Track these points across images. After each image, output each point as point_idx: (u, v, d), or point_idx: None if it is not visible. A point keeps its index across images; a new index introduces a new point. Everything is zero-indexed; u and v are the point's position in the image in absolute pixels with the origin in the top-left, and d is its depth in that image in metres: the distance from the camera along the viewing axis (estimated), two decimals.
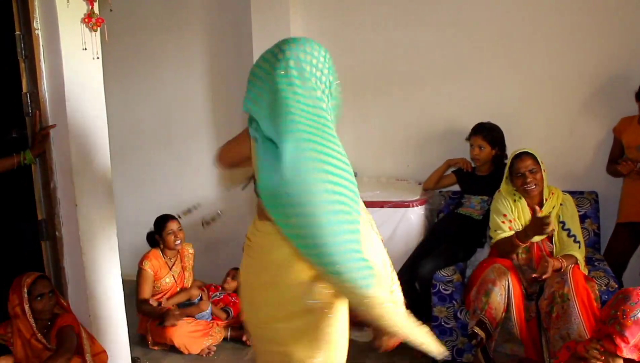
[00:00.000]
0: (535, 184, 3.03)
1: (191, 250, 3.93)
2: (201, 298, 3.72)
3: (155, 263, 3.70)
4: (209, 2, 4.43)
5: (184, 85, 4.61)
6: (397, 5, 3.96)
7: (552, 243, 3.06)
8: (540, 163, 3.05)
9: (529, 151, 3.07)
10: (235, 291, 3.97)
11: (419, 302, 3.37)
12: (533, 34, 3.72)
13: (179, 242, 3.73)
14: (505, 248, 3.02)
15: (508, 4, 3.75)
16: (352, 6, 4.06)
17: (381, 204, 3.61)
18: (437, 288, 3.18)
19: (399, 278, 3.41)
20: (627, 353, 2.29)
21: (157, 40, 4.62)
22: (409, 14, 3.94)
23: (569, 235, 3.03)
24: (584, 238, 3.38)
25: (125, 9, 4.52)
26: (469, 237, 3.35)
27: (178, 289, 3.77)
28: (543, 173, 3.06)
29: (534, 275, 2.87)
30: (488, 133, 3.53)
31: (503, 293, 2.84)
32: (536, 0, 3.69)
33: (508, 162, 3.14)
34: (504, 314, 2.84)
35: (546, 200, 3.07)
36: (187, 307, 3.64)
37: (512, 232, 3.03)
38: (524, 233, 2.90)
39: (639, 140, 3.32)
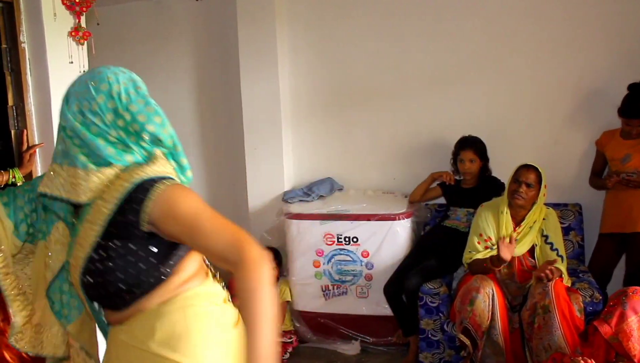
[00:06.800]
0: (523, 198, 3.04)
1: None
2: None
3: None
4: (195, 15, 4.45)
5: (171, 99, 4.61)
6: (383, 18, 4.00)
7: (534, 258, 3.09)
8: (542, 185, 3.05)
9: (539, 169, 3.07)
10: None
11: (406, 315, 3.38)
12: (517, 47, 3.77)
13: None
14: (478, 269, 3.06)
15: (492, 18, 3.80)
16: (338, 18, 4.09)
17: (367, 217, 3.62)
18: (424, 301, 3.20)
19: (386, 291, 3.46)
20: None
21: (144, 54, 4.63)
22: (395, 27, 3.98)
23: (552, 249, 3.06)
24: (568, 250, 3.44)
25: (113, 23, 4.53)
26: (456, 250, 3.36)
27: None
28: (543, 197, 3.07)
29: (535, 273, 2.88)
30: (478, 146, 3.56)
31: (487, 300, 2.86)
32: (519, 14, 3.75)
33: (514, 170, 3.14)
34: (489, 322, 2.87)
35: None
36: None
37: (486, 252, 3.09)
38: (497, 259, 2.94)
39: (622, 152, 3.37)
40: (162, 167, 1.33)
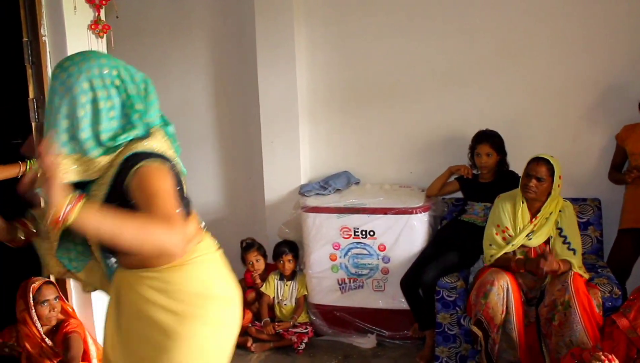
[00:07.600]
0: (534, 192, 3.03)
1: None
2: None
3: None
4: (213, 10, 4.46)
5: (188, 92, 4.63)
6: (400, 14, 3.98)
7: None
8: (555, 176, 3.02)
9: (551, 160, 3.03)
10: None
11: (422, 309, 3.38)
12: (534, 42, 3.74)
13: None
14: (502, 265, 3.05)
15: (509, 13, 3.76)
16: (356, 15, 4.08)
17: (384, 211, 3.62)
18: (441, 294, 3.19)
19: (403, 285, 3.46)
20: None
21: (162, 47, 4.64)
22: (411, 23, 3.96)
23: (564, 242, 3.03)
24: (586, 245, 3.42)
25: (132, 16, 4.55)
26: (473, 244, 3.35)
27: None
28: (557, 187, 3.04)
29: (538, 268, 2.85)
30: (494, 140, 3.54)
31: (501, 293, 2.85)
32: (537, 9, 3.71)
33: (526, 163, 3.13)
34: (503, 316, 2.85)
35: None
36: None
37: (505, 245, 3.08)
38: (522, 265, 2.97)
39: None
40: (155, 143, 1.57)
